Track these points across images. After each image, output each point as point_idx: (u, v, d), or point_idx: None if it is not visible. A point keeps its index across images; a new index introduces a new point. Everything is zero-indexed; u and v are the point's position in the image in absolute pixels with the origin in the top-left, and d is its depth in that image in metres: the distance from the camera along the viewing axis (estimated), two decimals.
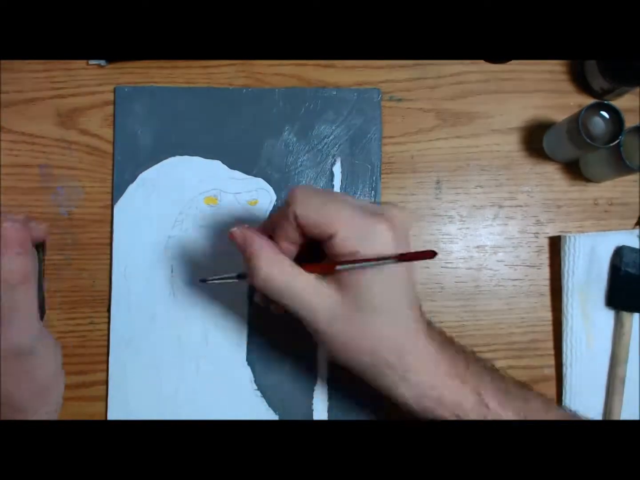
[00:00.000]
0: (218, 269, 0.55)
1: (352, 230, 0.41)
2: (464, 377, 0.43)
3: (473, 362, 0.45)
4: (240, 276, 0.46)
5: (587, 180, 0.59)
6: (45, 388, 0.49)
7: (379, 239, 0.41)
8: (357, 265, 0.41)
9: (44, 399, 0.49)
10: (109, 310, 0.55)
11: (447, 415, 0.43)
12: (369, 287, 0.41)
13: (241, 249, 0.43)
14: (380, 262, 0.40)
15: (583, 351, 0.56)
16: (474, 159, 0.58)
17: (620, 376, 0.55)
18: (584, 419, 0.46)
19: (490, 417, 0.42)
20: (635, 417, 0.55)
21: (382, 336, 0.42)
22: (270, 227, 0.45)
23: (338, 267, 0.41)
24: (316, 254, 0.44)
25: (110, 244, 0.56)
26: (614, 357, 0.56)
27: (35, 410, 0.48)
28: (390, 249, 0.41)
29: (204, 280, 0.49)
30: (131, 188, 0.56)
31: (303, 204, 0.41)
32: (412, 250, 0.42)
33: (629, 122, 0.53)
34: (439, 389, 0.43)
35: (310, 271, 0.43)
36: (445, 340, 0.45)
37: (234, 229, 0.44)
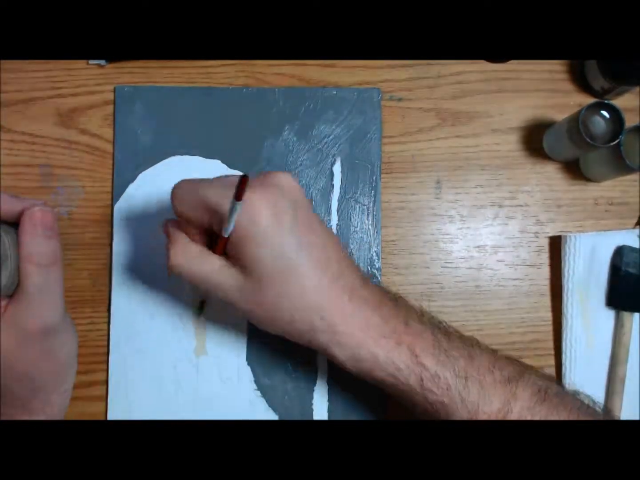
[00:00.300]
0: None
1: (222, 215, 0.41)
2: (400, 337, 0.43)
3: (416, 320, 0.45)
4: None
5: (588, 179, 0.59)
6: (64, 367, 0.49)
7: (256, 214, 0.41)
8: (228, 229, 0.41)
9: (63, 377, 0.50)
10: (109, 310, 0.55)
11: (383, 375, 0.43)
12: (258, 258, 0.42)
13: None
14: (229, 217, 0.40)
15: (583, 351, 0.56)
16: (474, 159, 0.58)
17: (621, 376, 0.55)
18: (534, 372, 0.45)
19: (427, 377, 0.42)
20: (635, 417, 0.55)
21: (295, 303, 0.42)
22: None
23: (223, 234, 0.41)
24: None
25: (110, 244, 0.56)
26: (614, 357, 0.56)
27: (54, 389, 0.49)
28: (269, 220, 0.41)
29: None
30: (131, 188, 0.56)
31: (178, 199, 0.44)
32: (299, 217, 0.43)
33: (629, 121, 0.53)
34: (370, 349, 0.43)
35: (218, 252, 0.44)
36: (383, 299, 0.45)
37: (164, 222, 0.48)
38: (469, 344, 0.45)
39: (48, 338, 0.46)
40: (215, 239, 0.44)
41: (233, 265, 0.43)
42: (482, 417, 0.42)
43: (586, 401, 0.45)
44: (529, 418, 0.42)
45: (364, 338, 0.43)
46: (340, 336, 0.43)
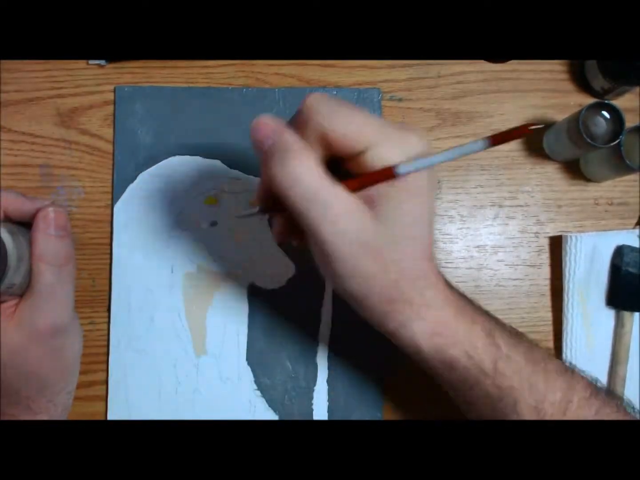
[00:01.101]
0: (217, 268, 0.55)
1: (387, 143, 0.37)
2: (474, 317, 0.42)
3: (479, 307, 0.44)
4: (261, 210, 0.41)
5: (588, 180, 0.59)
6: (70, 366, 0.50)
7: (417, 147, 0.37)
8: (447, 156, 0.36)
9: (67, 378, 0.50)
10: (109, 310, 0.55)
11: (460, 354, 0.41)
12: (404, 216, 0.38)
13: (267, 141, 0.37)
14: (469, 148, 0.35)
15: (583, 351, 0.56)
16: (474, 159, 0.58)
17: (621, 376, 0.55)
18: (580, 372, 0.45)
19: (501, 358, 0.41)
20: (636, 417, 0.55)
21: (407, 269, 0.39)
22: None
23: (400, 169, 0.35)
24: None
25: (110, 244, 0.56)
26: (615, 356, 0.56)
27: (60, 390, 0.49)
28: (428, 174, 0.38)
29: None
30: (131, 188, 0.56)
31: (328, 116, 0.36)
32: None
33: (629, 121, 0.53)
34: (452, 325, 0.41)
35: (350, 187, 0.37)
36: (450, 282, 0.44)
37: (260, 119, 0.38)
38: (517, 332, 0.45)
39: (57, 338, 0.46)
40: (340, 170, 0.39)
41: (365, 207, 0.38)
42: (547, 406, 0.41)
43: (624, 402, 0.46)
44: (586, 409, 0.42)
45: (446, 315, 0.41)
46: (427, 311, 0.41)
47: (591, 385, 0.43)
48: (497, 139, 0.34)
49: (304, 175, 0.36)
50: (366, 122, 0.37)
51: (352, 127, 0.36)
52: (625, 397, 0.46)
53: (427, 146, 0.38)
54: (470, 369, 0.42)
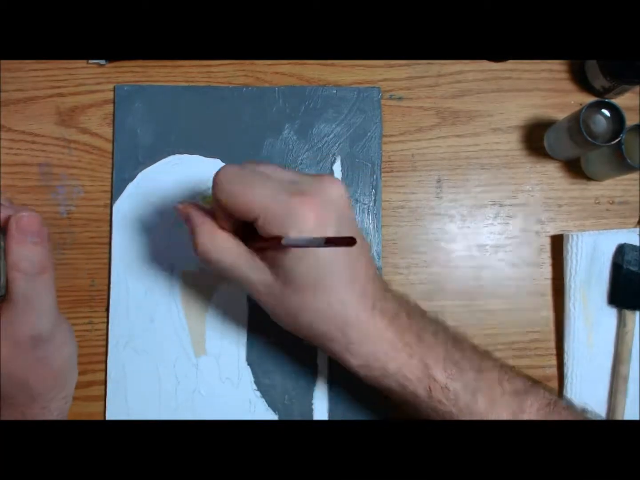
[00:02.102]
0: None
1: (272, 215, 0.41)
2: (412, 349, 0.44)
3: (430, 333, 0.45)
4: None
5: (588, 178, 0.58)
6: (61, 373, 0.49)
7: (301, 222, 0.40)
8: (294, 242, 0.40)
9: (61, 385, 0.49)
10: (107, 310, 0.55)
11: (392, 384, 0.44)
12: (294, 267, 0.42)
13: (185, 224, 0.46)
14: (308, 245, 0.39)
15: (585, 350, 0.56)
16: (474, 158, 0.58)
17: (623, 375, 0.55)
18: (542, 387, 0.45)
19: (436, 389, 0.43)
20: (636, 417, 0.55)
21: (318, 311, 0.43)
22: None
23: (283, 243, 0.40)
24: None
25: (110, 243, 0.56)
26: (617, 355, 0.55)
27: (52, 397, 0.48)
28: (313, 231, 0.40)
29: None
30: (131, 187, 0.56)
31: (224, 190, 0.42)
32: (341, 232, 0.42)
33: (630, 120, 0.53)
34: (382, 360, 0.44)
35: (254, 248, 0.44)
36: (400, 312, 0.45)
37: (179, 205, 0.46)
38: (480, 357, 0.46)
39: (39, 346, 0.45)
40: (248, 228, 0.44)
41: (265, 263, 0.43)
42: None
43: (593, 417, 0.46)
44: None
45: (376, 351, 0.44)
46: (353, 347, 0.44)
47: (549, 405, 0.44)
48: (330, 242, 0.37)
49: (207, 250, 0.44)
50: (257, 194, 0.41)
51: (239, 201, 0.41)
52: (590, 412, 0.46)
53: (324, 209, 0.41)
54: (406, 395, 0.44)
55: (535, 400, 0.44)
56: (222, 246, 0.44)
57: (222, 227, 0.44)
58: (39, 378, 0.46)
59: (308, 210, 0.40)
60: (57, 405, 0.49)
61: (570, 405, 0.46)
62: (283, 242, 0.40)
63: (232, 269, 0.44)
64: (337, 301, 0.43)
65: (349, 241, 0.36)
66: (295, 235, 0.40)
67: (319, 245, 0.38)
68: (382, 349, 0.43)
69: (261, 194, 0.41)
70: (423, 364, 0.43)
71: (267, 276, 0.43)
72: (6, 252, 0.42)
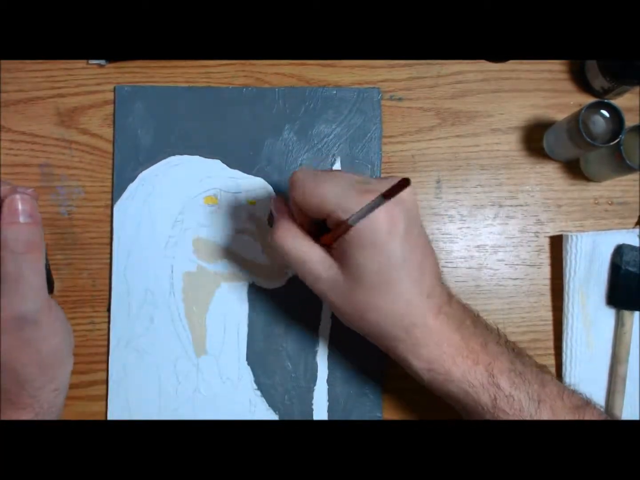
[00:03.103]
0: (217, 268, 0.55)
1: (344, 210, 0.42)
2: (478, 357, 0.44)
3: (493, 342, 0.45)
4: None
5: (588, 179, 0.58)
6: (48, 360, 0.48)
7: (372, 217, 0.41)
8: (357, 217, 0.40)
9: (50, 374, 0.49)
10: (109, 310, 0.55)
11: (456, 390, 0.44)
12: (364, 264, 0.42)
13: (272, 214, 0.50)
14: (371, 210, 0.39)
15: (583, 351, 0.56)
16: (474, 158, 0.58)
17: (622, 375, 0.55)
18: (595, 403, 0.46)
19: (501, 397, 0.43)
20: (635, 417, 0.55)
21: (386, 311, 0.43)
22: None
23: (350, 222, 0.41)
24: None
25: (110, 244, 0.56)
26: (615, 356, 0.56)
27: (40, 386, 0.48)
28: (384, 224, 0.41)
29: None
30: (131, 187, 0.56)
31: (299, 190, 0.44)
32: (410, 228, 0.42)
33: (629, 121, 0.53)
34: (446, 365, 0.44)
35: (324, 241, 0.45)
36: (465, 318, 0.46)
37: (273, 197, 0.51)
38: (540, 370, 0.46)
39: (24, 328, 0.45)
40: (321, 229, 0.46)
41: (333, 258, 0.44)
42: None
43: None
44: None
45: (442, 354, 0.44)
46: (419, 348, 0.44)
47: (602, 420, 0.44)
48: (387, 194, 0.38)
49: (283, 239, 0.46)
50: (329, 192, 0.43)
51: (313, 200, 0.43)
52: None
53: (388, 214, 0.42)
54: (469, 403, 0.44)
55: (592, 414, 0.44)
56: (297, 238, 0.46)
57: (300, 224, 0.47)
58: (25, 362, 0.46)
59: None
60: (47, 398, 0.48)
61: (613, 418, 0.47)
62: (350, 221, 0.41)
63: (303, 262, 0.45)
64: (405, 301, 0.43)
65: (404, 182, 0.36)
66: (365, 232, 0.41)
67: (379, 204, 0.38)
68: (448, 353, 0.44)
69: (333, 190, 0.43)
70: (489, 372, 0.44)
71: (336, 272, 0.44)
72: None
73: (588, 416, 0.44)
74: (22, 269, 0.44)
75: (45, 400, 0.48)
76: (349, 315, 0.45)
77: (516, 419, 0.43)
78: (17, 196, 0.44)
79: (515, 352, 0.46)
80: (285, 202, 0.49)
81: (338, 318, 0.47)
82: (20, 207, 0.44)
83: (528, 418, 0.43)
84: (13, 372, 0.46)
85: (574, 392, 0.46)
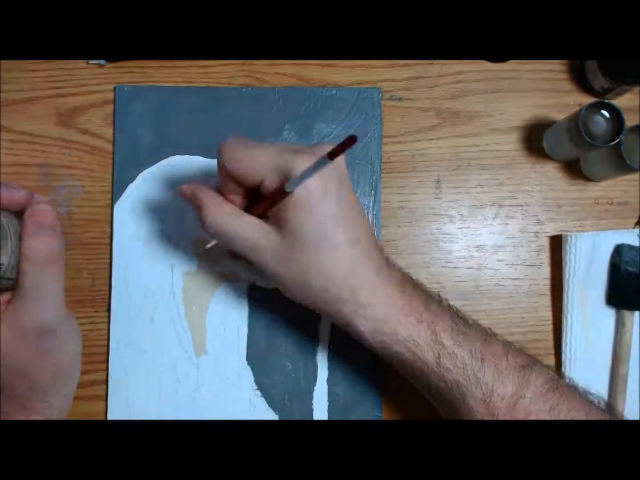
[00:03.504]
0: (217, 268, 0.55)
1: (276, 174, 0.42)
2: (421, 315, 0.44)
3: (436, 303, 0.46)
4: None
5: (588, 179, 0.58)
6: (63, 368, 0.49)
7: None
8: (302, 177, 0.40)
9: (62, 381, 0.50)
10: (109, 310, 0.55)
11: (403, 350, 0.44)
12: (302, 226, 0.42)
13: (191, 203, 0.46)
14: (314, 171, 0.39)
15: (583, 350, 0.56)
16: (474, 158, 0.58)
17: (623, 375, 0.55)
18: (543, 364, 0.46)
19: (445, 355, 0.44)
20: (636, 416, 0.55)
21: (329, 271, 0.43)
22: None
23: (287, 187, 0.41)
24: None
25: (110, 244, 0.56)
26: (616, 356, 0.56)
27: (54, 391, 0.49)
28: (318, 184, 0.42)
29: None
30: (131, 187, 0.56)
31: (228, 157, 0.44)
32: (342, 185, 0.43)
33: (629, 121, 0.53)
34: (392, 324, 0.44)
35: (258, 211, 0.44)
36: (405, 280, 0.46)
37: (184, 186, 0.47)
38: (484, 330, 0.47)
39: (44, 337, 0.46)
40: (252, 200, 0.46)
41: (270, 225, 0.44)
42: (496, 399, 0.43)
43: (595, 399, 0.46)
44: (540, 405, 0.43)
45: (387, 314, 0.44)
46: (364, 309, 0.44)
47: (552, 380, 0.44)
48: (333, 152, 0.37)
49: (213, 219, 0.44)
50: (260, 156, 0.43)
51: (244, 166, 0.43)
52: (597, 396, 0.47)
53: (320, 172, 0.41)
54: (415, 362, 0.45)
55: (540, 375, 0.44)
56: (230, 215, 0.45)
57: (229, 201, 0.46)
58: (41, 370, 0.47)
59: (307, 159, 0.41)
60: (58, 402, 0.49)
61: (572, 384, 0.47)
62: (287, 185, 0.41)
63: (241, 238, 0.44)
64: (346, 259, 0.43)
65: (351, 139, 0.36)
66: (301, 192, 0.41)
67: (324, 164, 0.38)
68: (392, 312, 0.44)
69: (264, 154, 0.43)
70: (431, 329, 0.44)
71: (275, 239, 0.43)
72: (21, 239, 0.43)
73: (534, 376, 0.44)
74: (43, 280, 0.44)
75: (57, 406, 0.49)
76: (291, 283, 0.44)
77: (460, 377, 0.44)
78: (40, 207, 0.44)
79: (459, 315, 0.47)
80: (204, 185, 0.47)
81: (281, 290, 0.46)
82: (42, 218, 0.44)
83: (472, 376, 0.43)
84: (28, 379, 0.46)
85: (519, 352, 0.46)
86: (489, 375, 0.43)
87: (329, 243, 0.43)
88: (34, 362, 0.46)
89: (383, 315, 0.44)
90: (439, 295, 0.48)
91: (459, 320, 0.46)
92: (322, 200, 0.42)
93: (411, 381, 0.48)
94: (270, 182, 0.43)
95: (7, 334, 0.44)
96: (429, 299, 0.46)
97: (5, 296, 0.44)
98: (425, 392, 0.47)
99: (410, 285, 0.46)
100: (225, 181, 0.45)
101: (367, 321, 0.44)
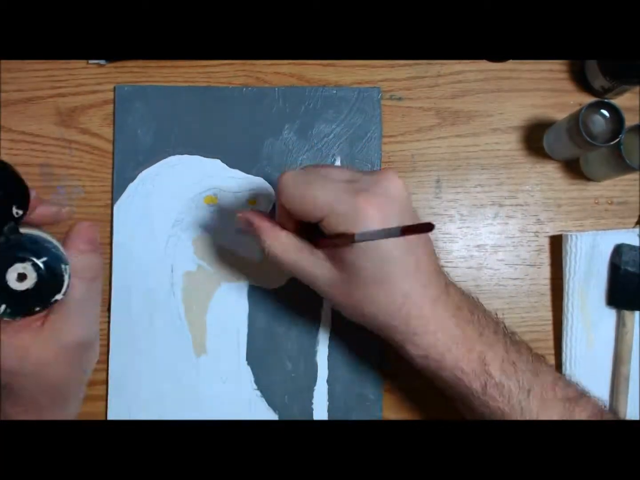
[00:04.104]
0: (217, 268, 0.55)
1: (337, 214, 0.42)
2: (473, 345, 0.45)
3: (490, 329, 0.46)
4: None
5: (588, 179, 0.58)
6: (86, 377, 0.51)
7: (366, 220, 0.42)
8: (369, 237, 0.41)
9: (82, 387, 0.51)
10: (109, 310, 0.55)
11: (450, 376, 0.45)
12: (356, 262, 0.43)
13: (246, 229, 0.48)
14: (384, 237, 0.40)
15: (583, 351, 0.56)
16: (474, 158, 0.58)
17: (624, 375, 0.55)
18: (592, 396, 0.46)
19: (491, 384, 0.44)
20: (636, 417, 0.55)
21: (384, 304, 0.44)
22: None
23: (356, 238, 0.41)
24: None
25: (110, 244, 0.56)
26: (617, 356, 0.55)
27: (74, 400, 0.49)
28: (378, 226, 0.41)
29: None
30: (131, 187, 0.56)
31: (287, 193, 0.44)
32: (416, 219, 0.44)
33: (629, 120, 0.53)
34: (441, 352, 0.44)
35: (323, 246, 0.45)
36: (463, 306, 0.46)
37: (239, 213, 0.48)
38: (536, 360, 0.46)
39: (81, 352, 0.46)
40: (312, 231, 0.46)
41: (327, 259, 0.45)
42: None
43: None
44: None
45: (437, 342, 0.44)
46: (415, 337, 0.45)
47: (596, 414, 0.45)
48: (405, 232, 0.38)
49: (273, 251, 0.46)
50: (320, 195, 0.43)
51: (304, 205, 0.43)
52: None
53: (387, 205, 0.43)
54: (460, 389, 0.45)
55: (586, 408, 0.44)
56: (286, 244, 0.46)
57: (285, 228, 0.47)
58: (70, 381, 0.47)
59: (372, 207, 0.42)
60: (74, 408, 0.50)
61: (616, 415, 0.48)
62: (356, 237, 0.41)
63: (297, 265, 0.45)
64: (400, 294, 0.44)
65: (427, 227, 0.36)
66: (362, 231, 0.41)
67: (395, 236, 0.38)
68: (443, 341, 0.44)
69: (325, 194, 0.43)
70: (481, 359, 0.44)
71: (331, 271, 0.44)
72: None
73: (579, 408, 0.44)
74: (88, 295, 0.45)
75: (72, 412, 0.50)
76: (349, 310, 0.46)
77: (505, 406, 0.44)
78: (86, 224, 0.46)
79: (512, 340, 0.47)
80: (259, 211, 0.49)
81: (341, 313, 0.47)
82: (90, 236, 0.46)
83: (517, 405, 0.44)
84: (55, 391, 0.46)
85: (569, 384, 0.46)
86: (535, 405, 0.44)
87: (385, 281, 0.43)
88: (68, 377, 0.47)
89: (432, 344, 0.44)
90: (496, 316, 0.48)
91: (512, 347, 0.46)
92: (380, 242, 0.42)
93: (453, 402, 0.48)
94: (329, 223, 0.43)
95: (47, 349, 0.44)
96: (483, 325, 0.46)
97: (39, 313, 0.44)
98: (468, 414, 0.48)
99: (467, 310, 0.46)
100: (283, 213, 0.46)
101: (417, 347, 0.45)
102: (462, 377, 0.44)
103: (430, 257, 0.46)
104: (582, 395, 0.45)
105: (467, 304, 0.47)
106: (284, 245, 0.46)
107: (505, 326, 0.48)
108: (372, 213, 0.42)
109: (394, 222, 0.42)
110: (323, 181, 0.44)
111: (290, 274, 0.47)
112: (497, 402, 0.44)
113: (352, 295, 0.44)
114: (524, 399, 0.44)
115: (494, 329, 0.46)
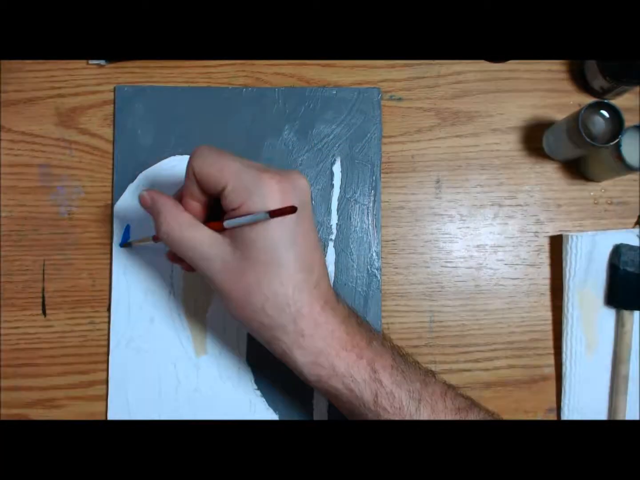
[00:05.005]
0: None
1: (240, 183, 0.42)
2: (362, 352, 0.44)
3: (378, 341, 0.46)
4: (154, 238, 0.49)
5: (587, 179, 0.59)
6: None
7: (268, 194, 0.42)
8: (237, 222, 0.42)
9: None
10: (109, 310, 0.55)
11: (339, 386, 0.44)
12: (256, 241, 0.42)
13: (149, 210, 0.47)
14: (251, 218, 0.41)
15: (583, 351, 0.56)
16: (473, 158, 0.58)
17: (624, 375, 0.55)
18: (482, 407, 0.46)
19: (383, 394, 0.43)
20: (636, 417, 0.55)
21: (273, 294, 0.43)
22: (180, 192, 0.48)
23: (225, 224, 0.43)
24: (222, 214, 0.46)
25: (110, 244, 0.56)
26: (617, 356, 0.56)
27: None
28: (276, 203, 0.41)
29: (125, 244, 0.52)
30: (131, 187, 0.56)
31: (199, 159, 0.44)
32: (301, 216, 0.43)
33: (629, 121, 0.53)
34: (331, 357, 0.43)
35: (215, 228, 0.45)
36: (351, 317, 0.46)
37: (143, 192, 0.47)
38: (424, 372, 0.46)
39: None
40: (213, 214, 0.46)
41: (224, 237, 0.44)
42: None
43: None
44: None
45: (326, 347, 0.43)
46: (304, 340, 0.43)
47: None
48: (274, 213, 0.40)
49: (171, 229, 0.44)
50: (229, 164, 0.43)
51: (213, 169, 0.43)
52: None
53: (287, 188, 0.43)
54: (352, 400, 0.44)
55: (476, 418, 0.44)
56: (185, 224, 0.45)
57: (188, 210, 0.46)
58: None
59: (276, 184, 0.42)
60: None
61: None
62: (225, 223, 0.42)
63: (194, 246, 0.44)
64: (293, 285, 0.43)
65: (290, 209, 0.38)
66: (258, 206, 0.42)
67: (264, 219, 0.40)
68: (332, 346, 0.43)
69: (234, 165, 0.43)
70: (371, 366, 0.43)
71: (227, 250, 0.43)
72: None
73: (470, 419, 0.44)
74: None
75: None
76: (235, 300, 0.43)
77: (396, 417, 0.43)
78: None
79: (400, 353, 0.46)
80: (162, 193, 0.47)
81: (225, 307, 0.45)
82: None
83: (408, 417, 0.43)
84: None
85: (458, 395, 0.46)
86: (425, 416, 0.43)
87: (277, 265, 0.42)
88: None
89: (322, 348, 0.43)
90: (383, 332, 0.48)
91: (400, 358, 0.45)
92: (277, 221, 0.42)
93: (346, 416, 0.47)
94: (231, 191, 0.42)
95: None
96: (371, 336, 0.45)
97: None
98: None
99: (355, 321, 0.46)
100: (189, 183, 0.45)
101: (305, 352, 0.43)
102: (352, 386, 0.43)
103: (322, 262, 0.45)
104: (471, 406, 0.45)
105: (355, 316, 0.46)
106: (182, 224, 0.44)
107: (392, 341, 0.47)
108: (274, 189, 0.42)
109: (290, 203, 0.42)
110: (236, 157, 0.44)
111: (184, 256, 0.45)
112: (388, 413, 0.43)
113: (242, 279, 0.43)
114: (414, 410, 0.43)
115: (381, 341, 0.46)
